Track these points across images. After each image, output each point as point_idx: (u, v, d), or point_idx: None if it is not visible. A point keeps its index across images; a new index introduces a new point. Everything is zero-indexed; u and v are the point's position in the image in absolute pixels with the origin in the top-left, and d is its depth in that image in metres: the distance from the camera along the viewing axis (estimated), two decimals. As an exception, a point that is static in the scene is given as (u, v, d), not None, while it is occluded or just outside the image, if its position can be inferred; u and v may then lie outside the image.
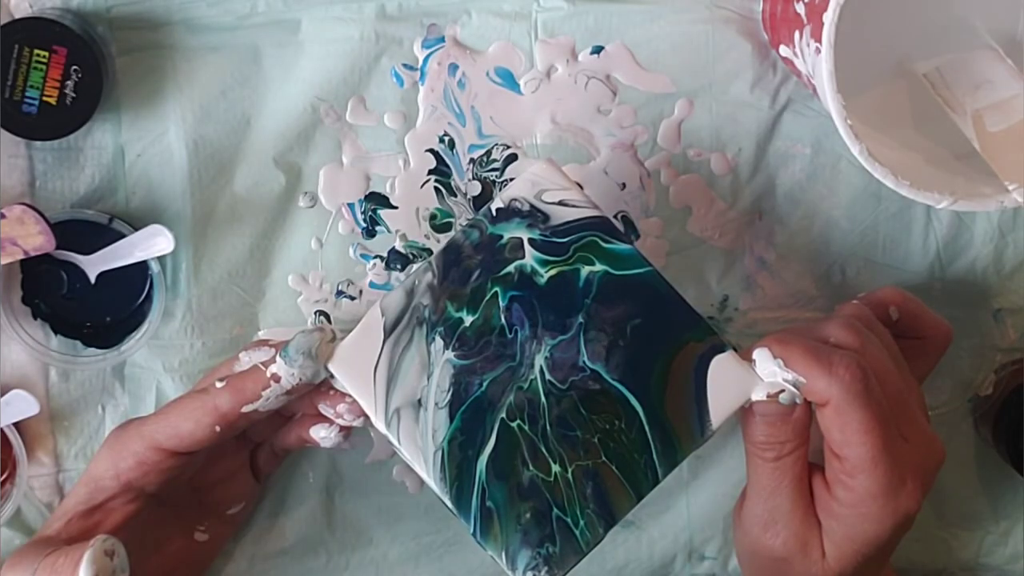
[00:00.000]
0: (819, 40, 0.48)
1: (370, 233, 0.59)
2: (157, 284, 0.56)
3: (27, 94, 0.52)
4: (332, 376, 0.49)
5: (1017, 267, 0.61)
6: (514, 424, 0.48)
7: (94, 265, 0.56)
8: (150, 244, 0.55)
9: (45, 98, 0.52)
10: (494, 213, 0.50)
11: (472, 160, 0.58)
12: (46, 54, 0.51)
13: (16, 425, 0.57)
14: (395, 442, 0.48)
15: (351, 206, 0.58)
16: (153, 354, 0.58)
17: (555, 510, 0.47)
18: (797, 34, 0.52)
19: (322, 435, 0.52)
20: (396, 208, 0.59)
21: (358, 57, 0.57)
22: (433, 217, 0.59)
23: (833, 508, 0.48)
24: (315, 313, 0.59)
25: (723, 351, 0.49)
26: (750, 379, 0.48)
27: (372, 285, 0.59)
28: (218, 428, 0.49)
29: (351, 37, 0.56)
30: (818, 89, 0.50)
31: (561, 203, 0.50)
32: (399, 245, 0.59)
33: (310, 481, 0.60)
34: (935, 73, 0.53)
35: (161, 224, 0.55)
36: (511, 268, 0.49)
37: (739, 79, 0.58)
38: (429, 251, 0.59)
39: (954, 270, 0.61)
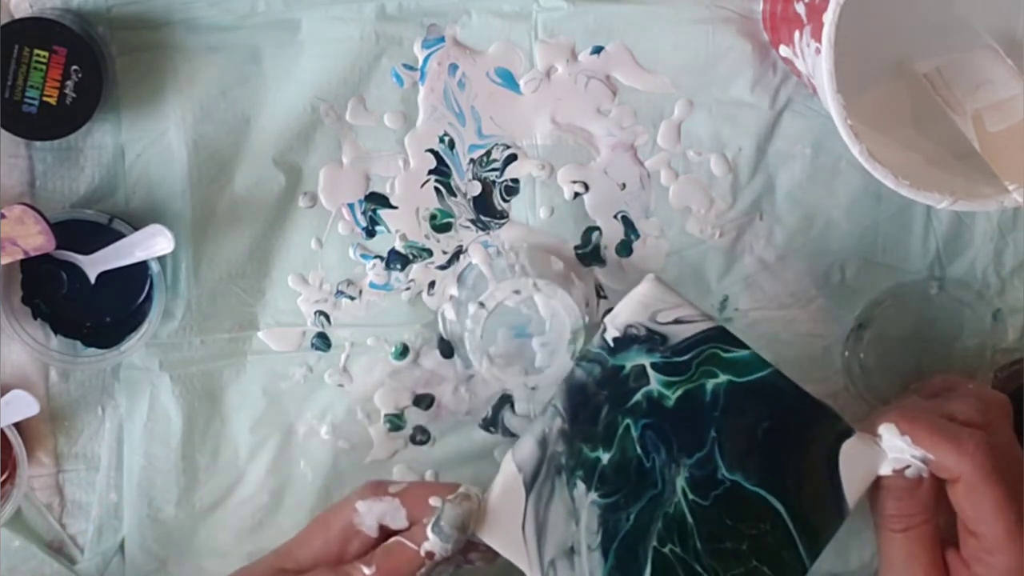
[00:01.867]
0: (819, 40, 0.48)
1: (370, 233, 0.59)
2: (157, 284, 0.56)
3: (27, 94, 0.52)
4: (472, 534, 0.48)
5: (1017, 267, 0.61)
6: (666, 549, 0.48)
7: (94, 265, 0.56)
8: (150, 244, 0.55)
9: (45, 98, 0.52)
10: (611, 344, 0.49)
11: (472, 160, 0.58)
12: (46, 54, 0.51)
13: (16, 425, 0.57)
14: None
15: (351, 206, 0.58)
16: (152, 354, 0.58)
17: None
18: (797, 34, 0.52)
19: (439, 570, 0.50)
20: (396, 208, 0.59)
21: (358, 57, 0.57)
22: (433, 217, 0.59)
23: None
24: (315, 313, 0.59)
25: (850, 435, 0.49)
26: (878, 456, 0.49)
27: (372, 285, 0.59)
28: None
29: (351, 37, 0.56)
30: (818, 89, 0.50)
31: (676, 321, 0.49)
32: (399, 245, 0.59)
33: (310, 481, 0.60)
34: (935, 73, 0.53)
35: (161, 224, 0.55)
36: (639, 397, 0.49)
37: (739, 79, 0.58)
38: (429, 251, 0.59)
39: (954, 270, 0.61)
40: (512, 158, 0.58)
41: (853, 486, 0.49)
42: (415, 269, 0.59)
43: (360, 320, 0.59)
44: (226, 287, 0.58)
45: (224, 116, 0.57)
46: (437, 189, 0.58)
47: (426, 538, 0.47)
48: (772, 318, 0.61)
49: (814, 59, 0.49)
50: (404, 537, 0.48)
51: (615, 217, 0.59)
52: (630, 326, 0.49)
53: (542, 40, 0.57)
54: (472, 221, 0.59)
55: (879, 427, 0.49)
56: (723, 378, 0.49)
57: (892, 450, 0.49)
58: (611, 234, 0.59)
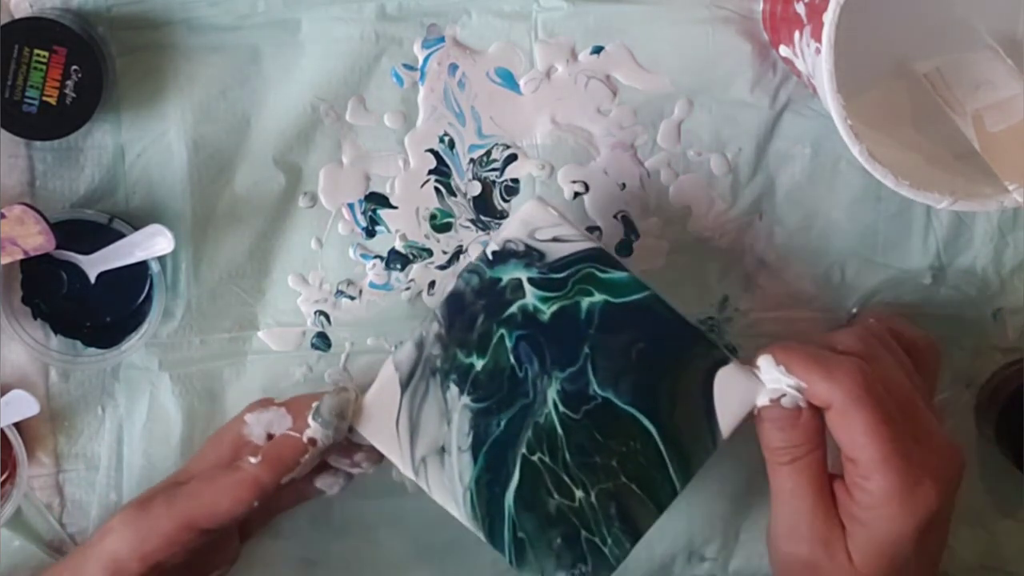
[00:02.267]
0: (819, 40, 0.48)
1: (370, 233, 0.59)
2: (157, 284, 0.56)
3: (27, 94, 0.52)
4: (352, 432, 0.50)
5: (1017, 267, 0.61)
6: (535, 457, 0.50)
7: (94, 265, 0.56)
8: (150, 244, 0.55)
9: (45, 98, 0.52)
10: (490, 257, 0.50)
11: (472, 160, 0.58)
12: (46, 54, 0.51)
13: (16, 425, 0.57)
14: (425, 488, 0.50)
15: (351, 206, 0.58)
16: (152, 354, 0.58)
17: (583, 532, 0.49)
18: (797, 34, 0.52)
19: (329, 482, 0.53)
20: (396, 208, 0.59)
21: (358, 57, 0.57)
22: (433, 217, 0.59)
23: (854, 511, 0.48)
24: (315, 313, 0.59)
25: (726, 363, 0.50)
26: (754, 387, 0.49)
27: (372, 285, 0.59)
28: (257, 503, 0.50)
29: (351, 37, 0.56)
30: (818, 89, 0.50)
31: (555, 239, 0.50)
32: (399, 245, 0.59)
33: (310, 481, 0.61)
34: (935, 73, 0.53)
35: (161, 224, 0.55)
36: (514, 309, 0.50)
37: (739, 79, 0.58)
38: (429, 251, 0.59)
39: (954, 270, 0.61)
40: (512, 158, 0.58)
41: (727, 414, 0.49)
42: (415, 269, 0.59)
43: (360, 320, 0.59)
44: (226, 287, 0.58)
45: (224, 116, 0.57)
46: (437, 189, 0.59)
47: (308, 427, 0.50)
48: (772, 318, 0.61)
49: (814, 59, 0.49)
50: (289, 431, 0.51)
51: (615, 217, 0.59)
52: (509, 241, 0.50)
53: (542, 40, 0.57)
54: (472, 221, 0.59)
55: (758, 359, 0.50)
56: (599, 297, 0.50)
57: (769, 380, 0.49)
58: (611, 234, 0.59)
